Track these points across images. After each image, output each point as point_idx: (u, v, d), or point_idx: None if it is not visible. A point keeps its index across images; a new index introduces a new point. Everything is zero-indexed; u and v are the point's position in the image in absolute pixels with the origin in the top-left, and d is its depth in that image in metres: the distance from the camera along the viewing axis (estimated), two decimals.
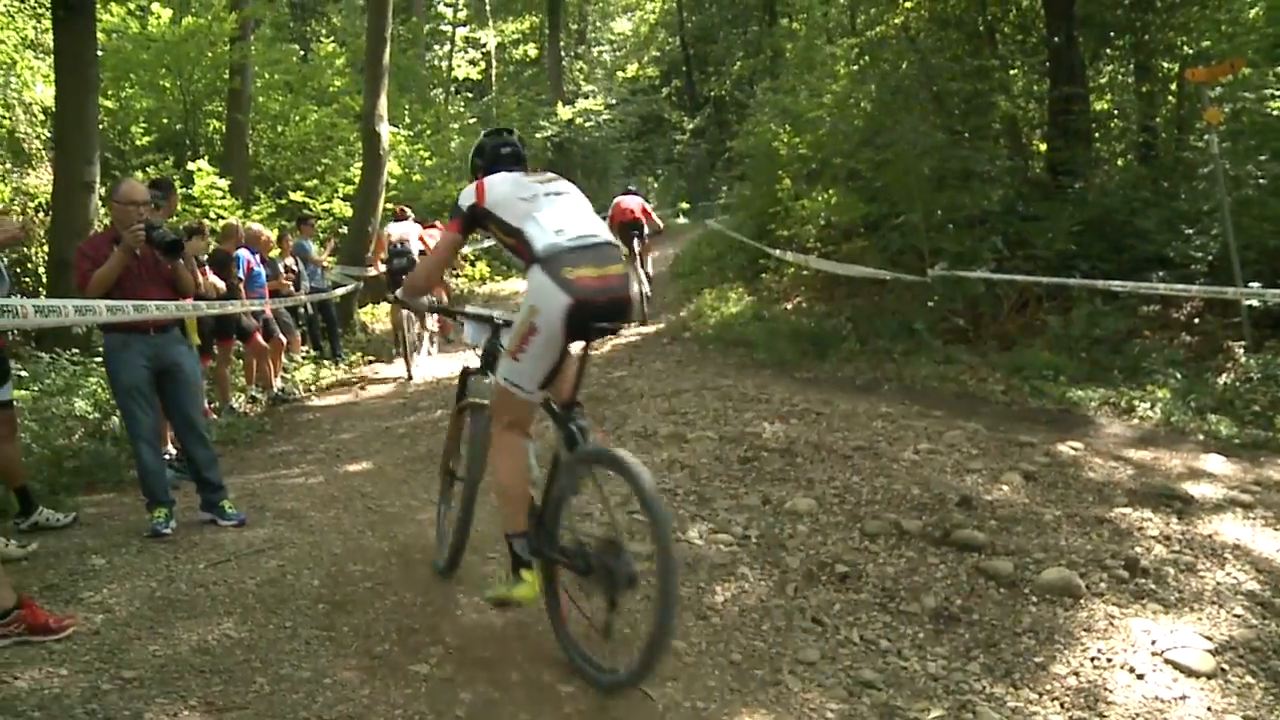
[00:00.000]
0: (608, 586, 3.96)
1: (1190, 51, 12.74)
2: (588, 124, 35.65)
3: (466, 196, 4.47)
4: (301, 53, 23.55)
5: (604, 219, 7.44)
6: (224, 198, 14.26)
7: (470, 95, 35.93)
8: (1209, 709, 3.95)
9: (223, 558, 5.67)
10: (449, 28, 35.90)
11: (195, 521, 6.37)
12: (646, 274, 15.69)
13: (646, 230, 15.54)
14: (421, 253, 13.01)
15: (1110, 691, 4.11)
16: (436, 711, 3.93)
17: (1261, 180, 9.92)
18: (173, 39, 17.01)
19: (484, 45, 38.58)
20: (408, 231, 13.60)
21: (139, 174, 13.88)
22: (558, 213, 4.22)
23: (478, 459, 4.87)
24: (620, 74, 45.45)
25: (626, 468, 3.86)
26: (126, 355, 6.12)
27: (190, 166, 14.51)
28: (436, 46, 37.03)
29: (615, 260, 4.03)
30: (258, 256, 10.70)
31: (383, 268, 13.80)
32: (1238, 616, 4.62)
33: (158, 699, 3.93)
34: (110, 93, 16.14)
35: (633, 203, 15.69)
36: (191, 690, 4.03)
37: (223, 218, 12.98)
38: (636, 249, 15.16)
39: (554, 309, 3.99)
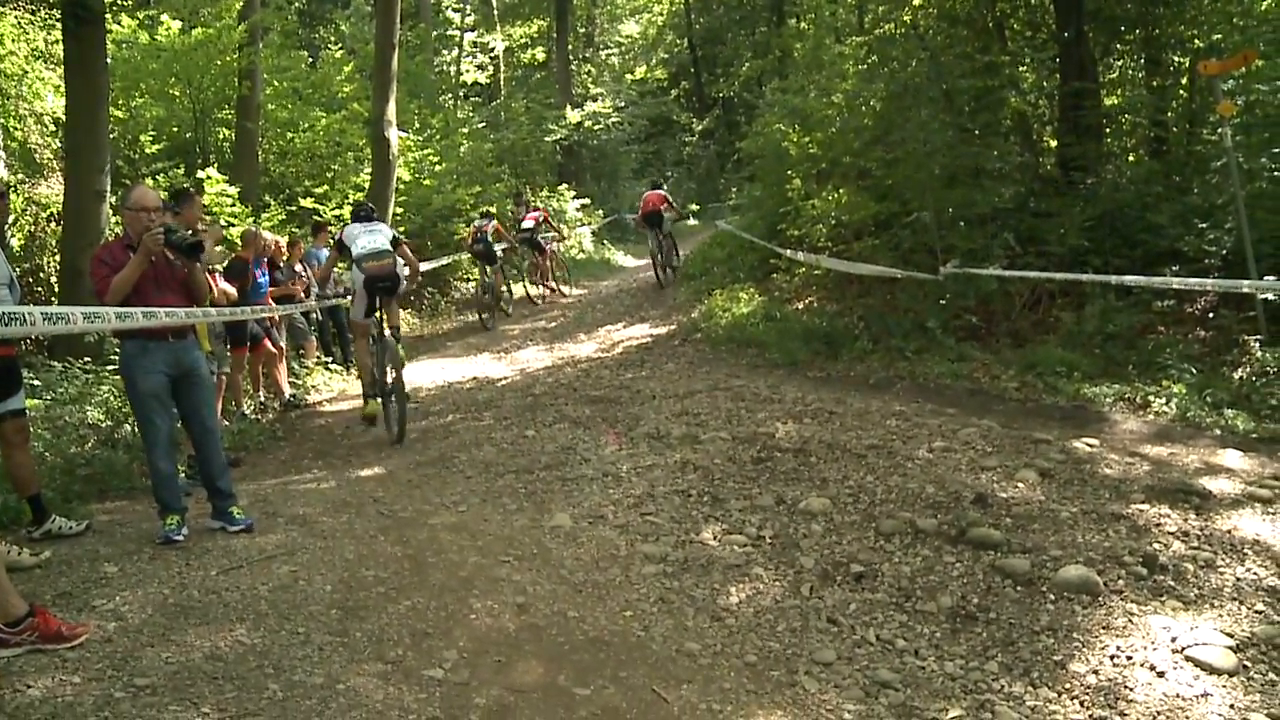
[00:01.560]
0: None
1: (1201, 45, 12.65)
2: (596, 127, 35.56)
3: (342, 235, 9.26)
4: (310, 59, 23.54)
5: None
6: (234, 205, 14.25)
7: (479, 99, 35.85)
8: (1232, 706, 3.92)
9: (235, 564, 5.67)
10: (457, 33, 35.84)
11: (207, 529, 6.36)
12: (669, 254, 19.67)
13: (667, 218, 18.93)
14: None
15: (1131, 689, 4.08)
16: (450, 716, 3.93)
17: (1275, 173, 9.85)
18: (182, 49, 17.05)
19: (492, 50, 38.54)
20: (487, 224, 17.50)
21: (149, 181, 13.89)
22: (365, 240, 9.11)
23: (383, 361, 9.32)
24: (628, 76, 45.36)
25: (386, 344, 9.25)
26: (145, 361, 6.10)
27: (200, 174, 14.51)
28: (445, 51, 36.96)
29: (388, 257, 8.91)
30: (265, 264, 10.69)
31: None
32: (1259, 613, 4.58)
33: (171, 706, 3.93)
34: (120, 102, 16.13)
35: (654, 195, 19.23)
36: (204, 697, 4.03)
37: (233, 225, 12.96)
38: (661, 235, 19.19)
39: (359, 281, 9.02)
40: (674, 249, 20.09)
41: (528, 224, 19.34)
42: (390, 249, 9.05)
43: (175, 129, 17.64)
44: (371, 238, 9.07)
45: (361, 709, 3.96)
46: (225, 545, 6.06)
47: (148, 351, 6.12)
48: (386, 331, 9.29)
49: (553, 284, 20.70)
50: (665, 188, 21.85)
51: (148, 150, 14.98)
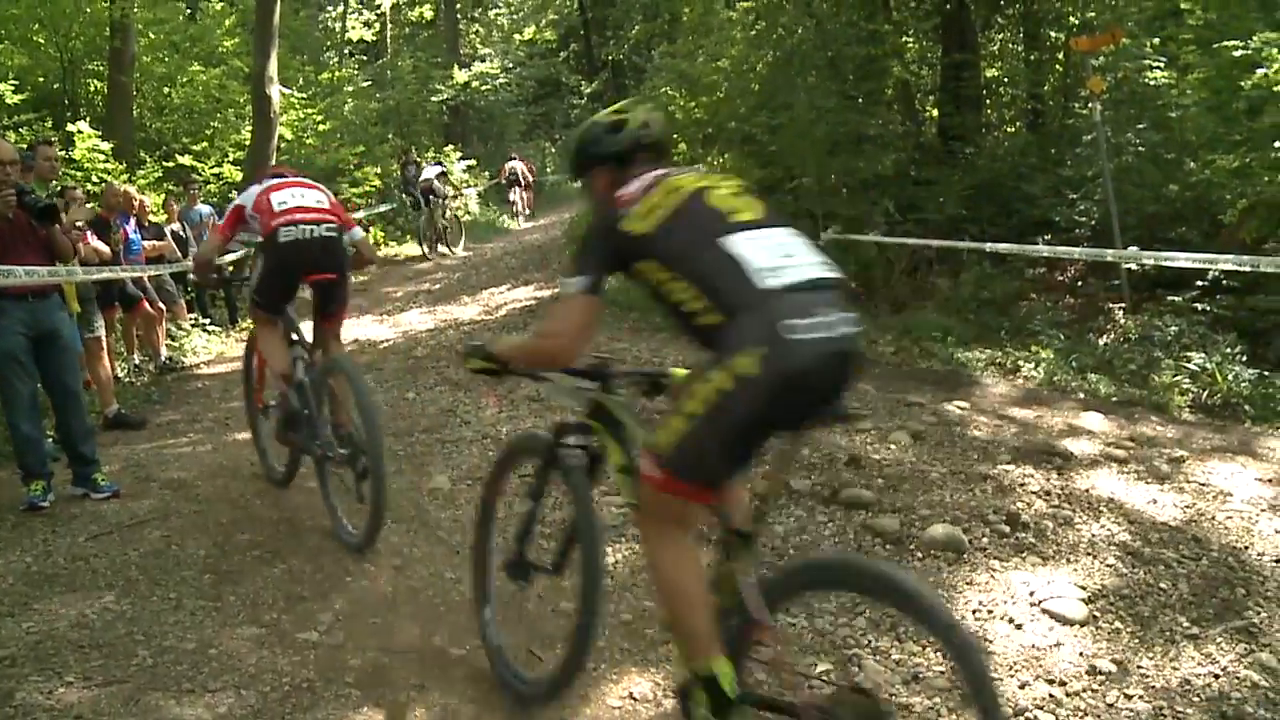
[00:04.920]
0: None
1: (1076, 21, 13.00)
2: (484, 88, 35.17)
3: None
4: (189, 11, 22.79)
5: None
6: (107, 161, 13.78)
7: (364, 57, 35.17)
8: (1081, 654, 4.07)
9: (104, 530, 5.55)
10: None
11: (75, 495, 6.18)
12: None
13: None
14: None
15: (991, 641, 4.21)
16: (325, 678, 3.90)
17: (1140, 148, 10.20)
18: None
19: (379, 6, 37.82)
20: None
21: (11, 135, 13.32)
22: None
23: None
24: (517, 37, 44.89)
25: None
26: (3, 322, 5.85)
27: (70, 129, 13.99)
28: (330, 7, 36.21)
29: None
30: (134, 221, 10.37)
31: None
32: (1110, 566, 4.77)
33: (31, 677, 3.86)
34: None
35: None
36: (69, 666, 3.96)
37: (106, 182, 12.52)
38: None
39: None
40: None
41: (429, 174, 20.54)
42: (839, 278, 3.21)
43: (41, 78, 16.96)
44: (781, 240, 3.09)
45: (234, 673, 3.92)
46: (94, 511, 5.93)
47: (5, 312, 5.85)
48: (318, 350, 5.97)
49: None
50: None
51: (8, 101, 14.33)
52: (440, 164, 22.33)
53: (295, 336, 5.80)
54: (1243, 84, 9.05)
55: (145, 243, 10.57)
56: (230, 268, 10.27)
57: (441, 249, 20.38)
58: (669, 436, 2.76)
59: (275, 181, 5.86)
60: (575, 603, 3.57)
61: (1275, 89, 8.58)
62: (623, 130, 3.28)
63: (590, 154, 3.34)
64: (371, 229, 21.22)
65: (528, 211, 26.71)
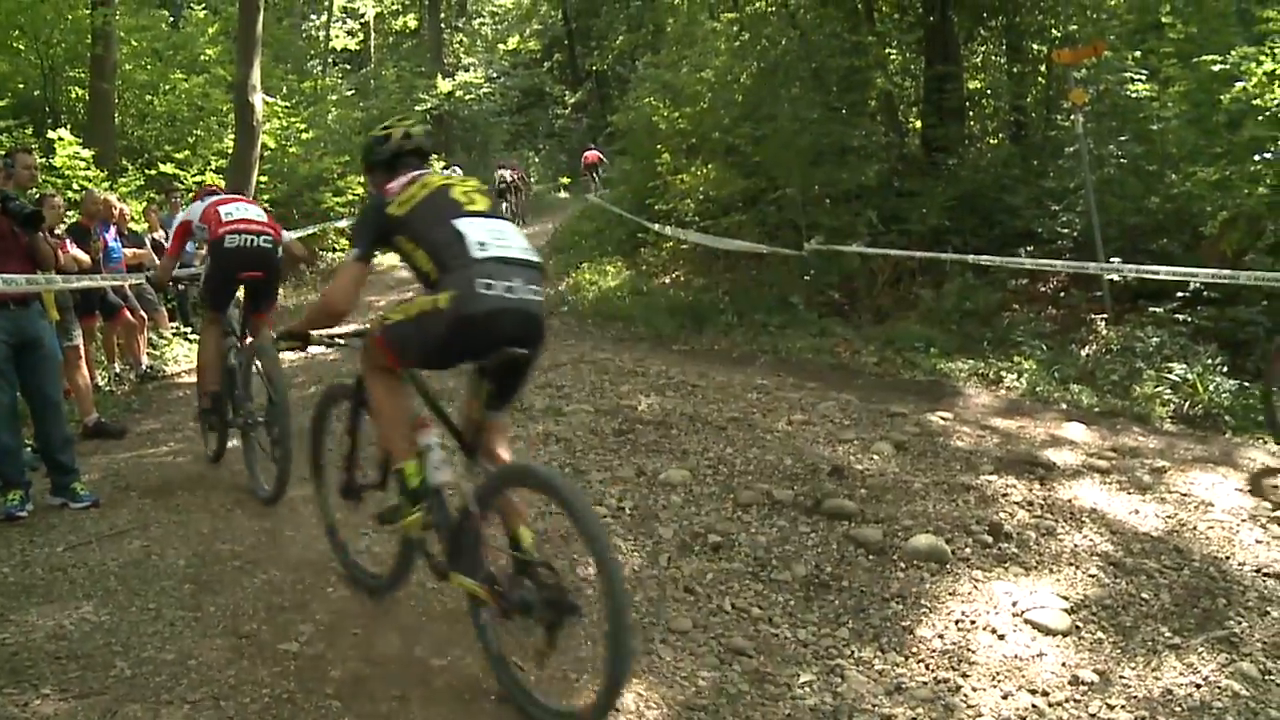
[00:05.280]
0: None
1: (1059, 34, 13.06)
2: (468, 97, 35.22)
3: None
4: (171, 19, 22.68)
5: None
6: (88, 169, 13.68)
7: (348, 67, 35.12)
8: (1063, 664, 4.08)
9: (83, 540, 5.49)
10: None
11: (53, 505, 6.12)
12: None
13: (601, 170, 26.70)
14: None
15: (973, 652, 4.21)
16: (305, 689, 3.86)
17: (1122, 160, 10.25)
18: (26, 0, 16.25)
19: (362, 15, 37.82)
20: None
21: None
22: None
23: None
24: (501, 47, 44.91)
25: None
26: None
27: (51, 136, 13.89)
28: (313, 16, 36.15)
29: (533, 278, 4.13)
30: (114, 229, 10.31)
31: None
32: (1092, 576, 4.78)
33: (7, 689, 3.81)
34: None
35: (592, 154, 27.93)
36: (45, 678, 3.91)
37: (86, 190, 12.44)
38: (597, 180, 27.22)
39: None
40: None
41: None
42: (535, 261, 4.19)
43: (21, 85, 16.84)
44: (499, 229, 4.29)
45: (213, 684, 3.87)
46: (73, 521, 5.86)
47: None
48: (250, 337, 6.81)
49: None
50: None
51: None
52: (456, 169, 23.39)
53: (231, 330, 6.71)
54: (1222, 98, 9.13)
55: (125, 250, 10.50)
56: (184, 283, 10.30)
57: None
58: (391, 320, 3.92)
59: (219, 197, 6.94)
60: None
61: (1254, 103, 8.65)
62: (388, 142, 4.34)
63: (368, 159, 4.44)
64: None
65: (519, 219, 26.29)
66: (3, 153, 7.24)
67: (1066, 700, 3.87)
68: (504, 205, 24.81)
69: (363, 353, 4.16)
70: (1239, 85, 8.77)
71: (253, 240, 6.59)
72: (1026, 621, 4.39)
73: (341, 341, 4.75)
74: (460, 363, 3.91)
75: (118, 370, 10.47)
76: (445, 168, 27.74)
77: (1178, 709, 3.79)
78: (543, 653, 3.63)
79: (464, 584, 3.82)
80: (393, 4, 40.85)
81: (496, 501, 3.81)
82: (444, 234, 3.76)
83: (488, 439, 4.04)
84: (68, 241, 8.54)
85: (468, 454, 4.04)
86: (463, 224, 3.77)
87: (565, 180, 35.27)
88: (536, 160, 38.24)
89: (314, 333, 4.42)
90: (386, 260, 20.63)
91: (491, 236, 3.77)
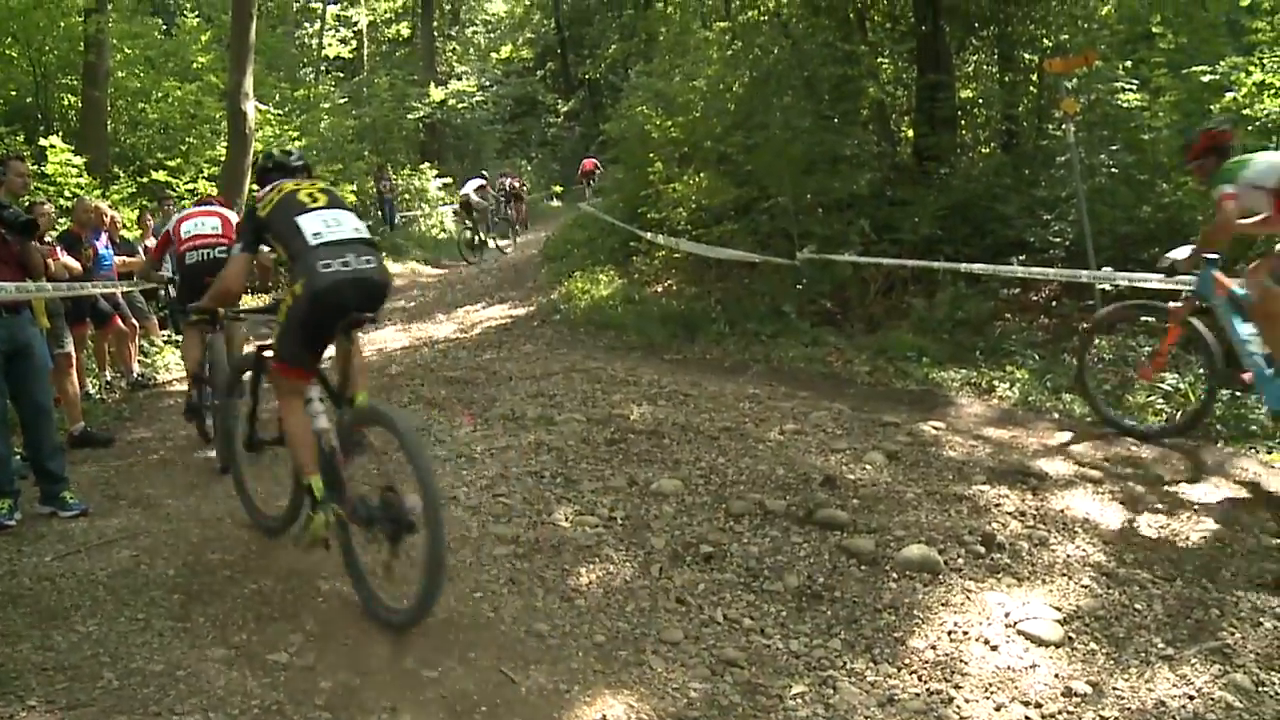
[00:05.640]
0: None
1: (1050, 44, 13.09)
2: (461, 105, 35.26)
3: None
4: (164, 27, 22.70)
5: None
6: (80, 176, 13.67)
7: (341, 74, 35.14)
8: (1056, 676, 4.08)
9: (71, 549, 5.48)
10: (319, 4, 35.09)
11: (42, 514, 6.11)
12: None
13: (596, 177, 27.61)
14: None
15: (966, 663, 4.20)
16: (295, 701, 3.85)
17: (1113, 169, 10.27)
18: (19, 7, 16.23)
19: (355, 23, 37.84)
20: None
21: None
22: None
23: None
24: (494, 55, 45.04)
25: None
26: None
27: (43, 143, 13.89)
28: (306, 24, 36.19)
29: (367, 253, 4.89)
30: (105, 237, 10.29)
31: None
32: (1085, 587, 4.78)
33: None
34: None
35: (589, 162, 28.98)
36: (31, 690, 3.89)
37: (78, 197, 12.42)
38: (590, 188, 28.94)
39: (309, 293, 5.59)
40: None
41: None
42: (368, 239, 4.98)
43: (14, 92, 16.85)
44: (334, 217, 4.93)
45: (202, 695, 3.86)
46: (62, 530, 5.85)
47: None
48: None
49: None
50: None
51: None
52: (482, 176, 24.63)
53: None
54: (1213, 107, 9.17)
55: (116, 258, 10.48)
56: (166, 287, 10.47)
57: (495, 245, 23.58)
58: (277, 341, 4.84)
59: (185, 214, 7.91)
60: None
61: (1244, 113, 8.68)
62: (261, 160, 5.83)
63: (257, 171, 6.03)
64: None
65: (518, 227, 26.62)
66: None
67: (1059, 712, 3.86)
68: (510, 212, 25.97)
69: (272, 381, 5.16)
70: (1229, 95, 8.81)
71: (209, 253, 7.64)
72: (1019, 632, 4.38)
73: (244, 316, 7.11)
74: (327, 332, 4.74)
75: (109, 378, 10.44)
76: (439, 176, 27.97)
77: None
78: (387, 564, 4.41)
79: (332, 508, 4.61)
80: (386, 12, 40.88)
81: (353, 438, 4.75)
82: (289, 229, 4.78)
83: (351, 388, 4.88)
84: (58, 249, 8.52)
85: (336, 404, 4.92)
86: (302, 219, 4.76)
87: (558, 189, 35.29)
88: (529, 169, 38.22)
89: (220, 310, 6.57)
90: None
91: (324, 225, 4.75)
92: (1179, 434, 6.98)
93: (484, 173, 26.42)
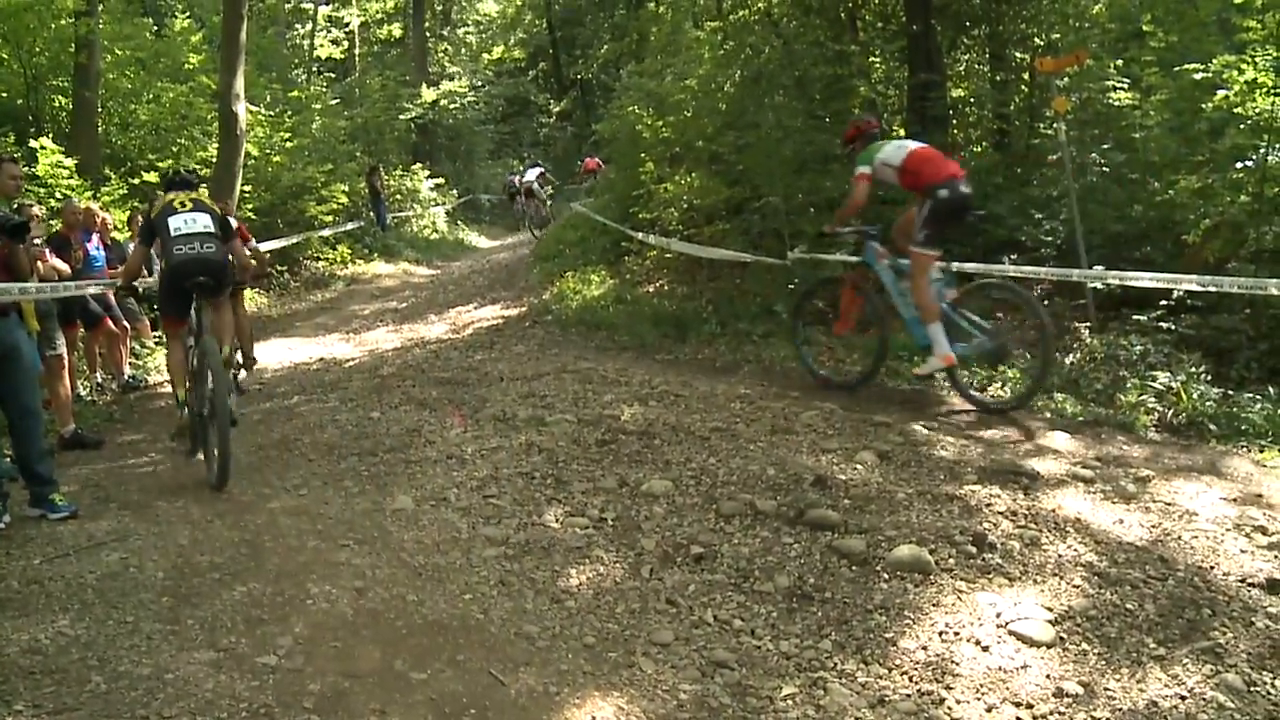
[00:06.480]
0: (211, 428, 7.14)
1: (1041, 43, 13.07)
2: (452, 106, 35.20)
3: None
4: (155, 28, 22.61)
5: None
6: (70, 177, 13.63)
7: (333, 75, 35.07)
8: (1048, 676, 4.07)
9: (60, 552, 5.46)
10: (311, 5, 35.02)
11: (31, 516, 6.10)
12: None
13: (597, 177, 25.89)
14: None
15: (957, 664, 4.20)
16: (283, 704, 3.84)
17: (1105, 168, 10.26)
18: (10, 8, 16.15)
19: (347, 24, 37.82)
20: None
21: None
22: (182, 221, 7.27)
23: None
24: (486, 56, 44.98)
25: (204, 349, 6.98)
26: None
27: (33, 144, 13.83)
28: (298, 25, 36.13)
29: (209, 240, 7.21)
30: (96, 238, 10.25)
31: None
32: (1077, 587, 4.76)
33: None
34: None
35: (591, 161, 27.68)
36: (18, 694, 3.88)
37: (68, 198, 12.37)
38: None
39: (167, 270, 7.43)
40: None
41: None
42: (213, 232, 7.23)
43: (4, 94, 16.79)
44: (192, 218, 7.21)
45: (190, 699, 3.84)
46: (50, 532, 5.83)
47: None
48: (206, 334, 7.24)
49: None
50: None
51: None
52: (539, 165, 29.25)
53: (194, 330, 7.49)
54: (1204, 106, 9.16)
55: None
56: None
57: (537, 233, 25.30)
58: (158, 302, 7.87)
59: (173, 211, 7.51)
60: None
61: (1236, 111, 8.67)
62: (172, 174, 7.97)
63: (164, 182, 8.18)
64: (339, 246, 21.17)
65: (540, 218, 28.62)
66: None
67: (1051, 713, 3.86)
68: (534, 204, 27.52)
69: (163, 329, 8.23)
70: (1220, 94, 8.79)
71: (196, 249, 7.37)
72: (1010, 633, 4.37)
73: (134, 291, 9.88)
74: (185, 295, 7.17)
75: (99, 380, 10.41)
76: (527, 169, 28.86)
77: None
78: (210, 447, 6.78)
79: (186, 408, 7.24)
80: (377, 13, 40.85)
81: (199, 366, 6.98)
82: (163, 227, 7.12)
83: (207, 331, 7.12)
84: (47, 251, 8.49)
85: (196, 342, 7.11)
86: (171, 220, 7.11)
87: (549, 190, 35.30)
88: (520, 169, 38.23)
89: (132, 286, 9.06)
90: (371, 270, 20.75)
91: (184, 223, 7.09)
92: (864, 382, 8.70)
93: (540, 162, 30.21)
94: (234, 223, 10.61)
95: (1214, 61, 9.02)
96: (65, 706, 3.78)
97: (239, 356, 9.97)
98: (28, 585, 4.99)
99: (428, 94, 32.92)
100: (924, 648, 4.34)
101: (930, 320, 7.94)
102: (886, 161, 8.16)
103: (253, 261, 10.29)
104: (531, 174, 27.42)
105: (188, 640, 4.37)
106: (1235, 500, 5.79)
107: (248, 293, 12.83)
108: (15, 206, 8.35)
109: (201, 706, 3.79)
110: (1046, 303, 9.97)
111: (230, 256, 7.64)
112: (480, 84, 39.74)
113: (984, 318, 8.24)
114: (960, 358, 8.08)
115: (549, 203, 27.72)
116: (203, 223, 7.09)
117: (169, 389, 10.38)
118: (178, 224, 7.01)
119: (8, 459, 6.38)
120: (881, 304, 8.60)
